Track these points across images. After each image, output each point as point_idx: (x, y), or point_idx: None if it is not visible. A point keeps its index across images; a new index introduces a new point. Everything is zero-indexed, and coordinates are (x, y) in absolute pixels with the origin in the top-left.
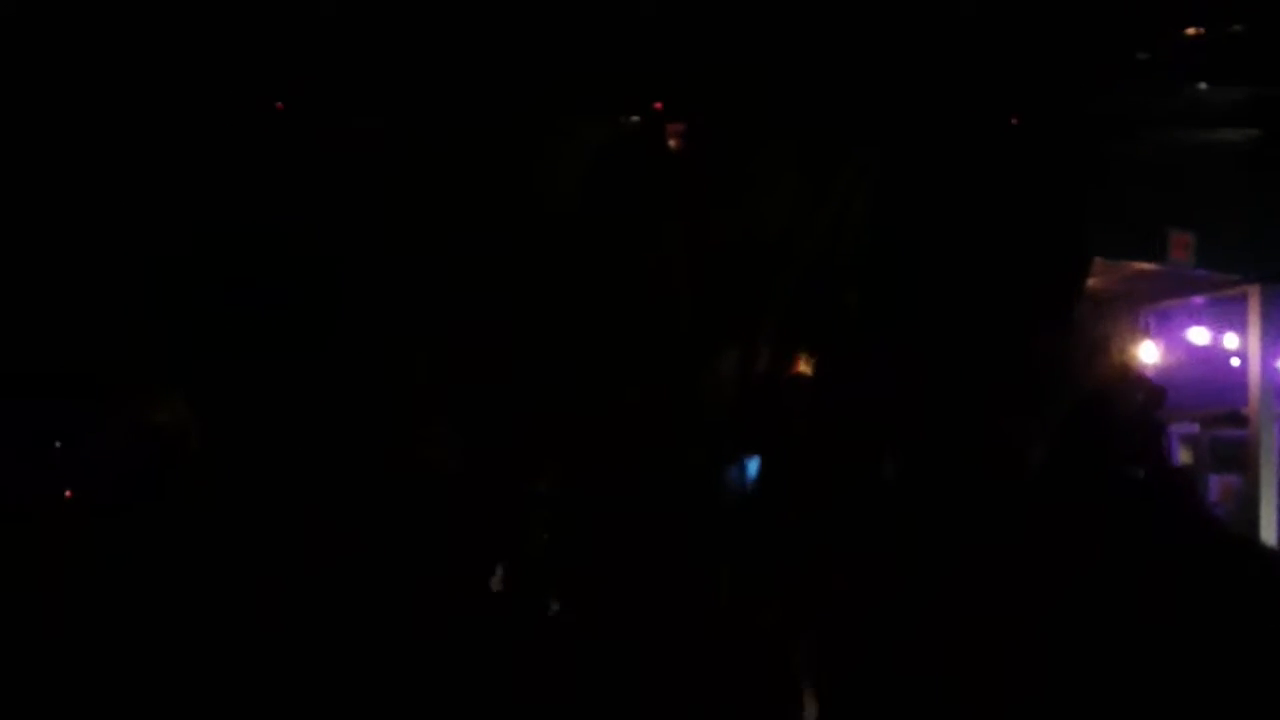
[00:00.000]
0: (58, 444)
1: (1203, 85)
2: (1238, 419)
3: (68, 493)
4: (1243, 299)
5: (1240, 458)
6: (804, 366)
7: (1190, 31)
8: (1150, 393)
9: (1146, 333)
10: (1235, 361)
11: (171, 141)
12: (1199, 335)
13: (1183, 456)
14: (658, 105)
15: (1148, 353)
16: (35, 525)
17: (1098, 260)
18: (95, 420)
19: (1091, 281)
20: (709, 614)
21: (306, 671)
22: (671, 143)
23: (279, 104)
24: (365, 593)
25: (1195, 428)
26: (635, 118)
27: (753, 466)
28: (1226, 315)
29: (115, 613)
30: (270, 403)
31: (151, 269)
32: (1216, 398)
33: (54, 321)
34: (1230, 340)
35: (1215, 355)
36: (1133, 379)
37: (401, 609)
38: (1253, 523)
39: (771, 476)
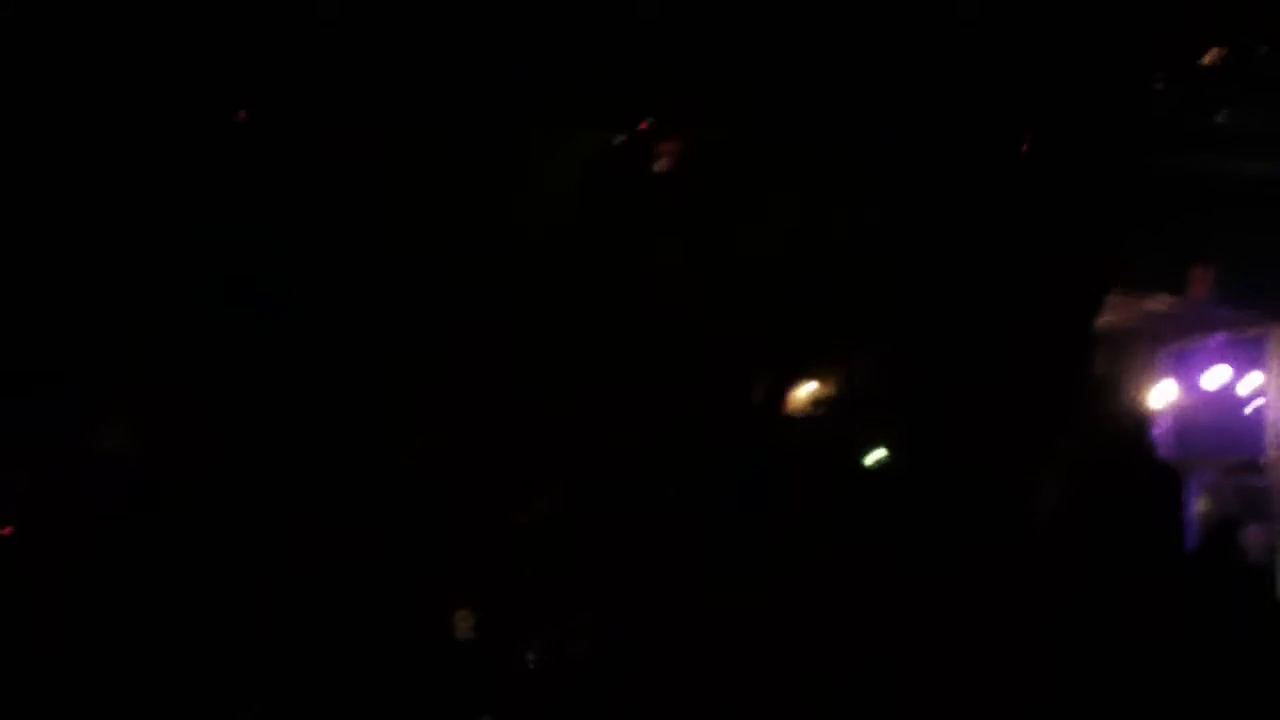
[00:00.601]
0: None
1: (1220, 117)
2: (1258, 468)
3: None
4: (1263, 339)
5: (1264, 506)
6: (805, 378)
7: (1209, 58)
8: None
9: (1164, 373)
10: (1256, 404)
11: (172, 143)
12: (1218, 376)
13: (1201, 506)
14: (643, 126)
15: (1165, 395)
16: (35, 526)
17: (1113, 295)
18: (92, 423)
19: (1106, 317)
20: (709, 620)
21: (304, 670)
22: (664, 161)
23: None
24: (362, 594)
25: (1215, 475)
26: (623, 136)
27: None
28: (1247, 355)
29: (114, 613)
30: (269, 403)
31: (152, 269)
32: (1235, 443)
33: (53, 322)
34: (1250, 382)
35: (1234, 398)
36: (1149, 424)
37: (398, 611)
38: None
39: (773, 485)
